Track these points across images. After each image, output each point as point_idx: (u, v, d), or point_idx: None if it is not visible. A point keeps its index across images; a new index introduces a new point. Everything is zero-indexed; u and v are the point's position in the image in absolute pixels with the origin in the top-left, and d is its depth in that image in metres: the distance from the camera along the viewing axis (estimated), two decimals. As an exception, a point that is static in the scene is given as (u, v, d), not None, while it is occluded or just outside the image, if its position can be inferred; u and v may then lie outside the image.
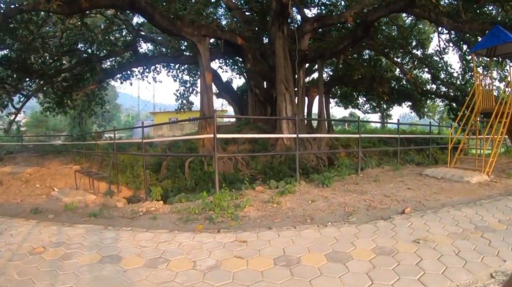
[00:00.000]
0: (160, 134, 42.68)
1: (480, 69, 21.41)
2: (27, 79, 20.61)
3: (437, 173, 10.03)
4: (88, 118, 36.39)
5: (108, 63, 24.77)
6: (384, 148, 19.01)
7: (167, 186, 15.59)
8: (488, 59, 14.95)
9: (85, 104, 24.95)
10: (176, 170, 16.84)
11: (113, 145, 15.57)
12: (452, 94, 23.69)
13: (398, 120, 15.13)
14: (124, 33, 22.52)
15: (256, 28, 22.81)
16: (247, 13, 24.55)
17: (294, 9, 22.06)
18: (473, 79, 23.15)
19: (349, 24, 21.81)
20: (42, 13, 16.76)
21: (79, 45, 21.69)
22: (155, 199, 9.23)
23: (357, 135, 12.54)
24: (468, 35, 19.34)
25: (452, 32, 22.56)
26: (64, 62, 22.82)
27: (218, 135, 8.67)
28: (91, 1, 13.91)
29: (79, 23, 19.33)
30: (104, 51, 21.73)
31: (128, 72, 24.46)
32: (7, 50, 19.36)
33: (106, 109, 31.22)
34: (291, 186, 8.54)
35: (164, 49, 24.73)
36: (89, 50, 21.92)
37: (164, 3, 16.14)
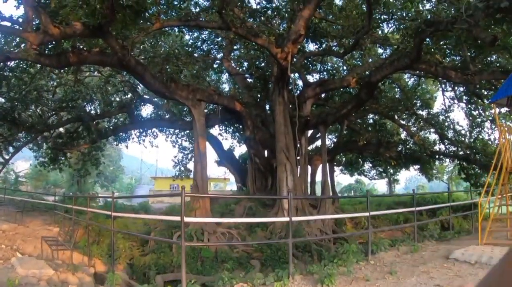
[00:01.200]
0: (159, 200, 41.19)
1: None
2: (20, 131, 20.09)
3: (469, 256, 7.98)
4: (83, 177, 35.28)
5: (106, 123, 24.02)
6: (399, 226, 17.52)
7: (151, 261, 13.92)
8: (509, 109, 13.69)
9: (79, 163, 24.86)
10: (163, 243, 15.17)
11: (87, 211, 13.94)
12: (461, 153, 22.54)
13: (414, 190, 13.44)
14: (120, 93, 21.67)
15: (259, 95, 22.07)
16: (249, 80, 23.95)
17: (295, 75, 21.39)
18: (482, 135, 22.47)
19: (351, 89, 21.06)
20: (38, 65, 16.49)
21: (75, 102, 20.75)
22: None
23: (366, 214, 10.33)
24: (478, 87, 18.24)
25: (457, 88, 22.08)
26: (56, 117, 22.04)
27: (194, 220, 7.14)
28: (79, 57, 13.28)
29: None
30: (98, 110, 20.82)
31: (123, 134, 23.41)
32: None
33: (101, 171, 30.16)
34: (281, 285, 6.78)
35: (161, 113, 23.90)
36: (86, 109, 21.13)
37: (156, 65, 15.26)
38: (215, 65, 23.59)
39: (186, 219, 6.37)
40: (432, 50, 16.06)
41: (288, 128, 17.75)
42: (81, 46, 13.87)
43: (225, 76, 27.05)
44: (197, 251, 13.93)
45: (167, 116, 23.63)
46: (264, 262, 13.84)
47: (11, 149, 22.97)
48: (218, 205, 18.99)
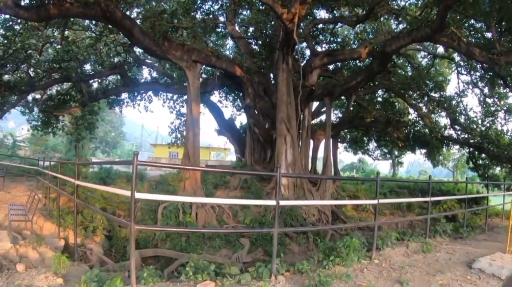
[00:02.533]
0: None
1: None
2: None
3: (498, 268, 6.15)
4: (78, 142, 34.12)
5: (97, 85, 22.77)
6: (411, 217, 16.52)
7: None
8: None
9: (73, 127, 24.27)
10: (149, 215, 14.00)
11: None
12: (473, 141, 21.22)
13: (430, 177, 11.98)
14: (112, 54, 20.14)
15: (263, 64, 20.49)
16: (254, 46, 22.44)
17: (303, 43, 19.77)
18: (495, 124, 21.29)
19: (362, 62, 19.54)
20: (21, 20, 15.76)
21: (67, 63, 19.42)
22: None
23: (374, 201, 8.15)
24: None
25: (473, 73, 20.86)
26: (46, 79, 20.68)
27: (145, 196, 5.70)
28: (60, 8, 11.98)
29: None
30: (88, 71, 19.41)
31: (115, 97, 22.21)
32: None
33: (94, 136, 28.95)
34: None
35: (156, 76, 22.47)
36: (77, 70, 19.73)
37: (149, 19, 13.73)
38: (218, 29, 21.92)
39: (137, 195, 4.91)
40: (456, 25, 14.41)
41: (290, 97, 16.34)
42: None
43: (230, 43, 25.43)
44: (182, 225, 12.73)
45: (162, 80, 22.23)
46: (255, 241, 12.63)
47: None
48: (213, 176, 17.87)
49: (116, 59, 20.55)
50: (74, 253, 9.59)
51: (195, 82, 14.74)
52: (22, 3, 12.76)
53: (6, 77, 18.44)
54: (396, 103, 24.44)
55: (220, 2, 20.26)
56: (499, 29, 13.78)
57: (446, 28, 12.94)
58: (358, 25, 20.16)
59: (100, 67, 19.94)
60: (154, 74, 23.44)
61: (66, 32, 18.18)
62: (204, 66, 17.67)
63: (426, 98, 22.67)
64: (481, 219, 15.52)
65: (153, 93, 23.09)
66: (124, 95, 23.63)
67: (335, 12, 18.99)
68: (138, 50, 20.37)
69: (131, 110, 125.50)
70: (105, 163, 32.18)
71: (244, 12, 22.36)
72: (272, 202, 8.35)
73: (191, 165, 14.21)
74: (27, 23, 16.32)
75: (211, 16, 18.70)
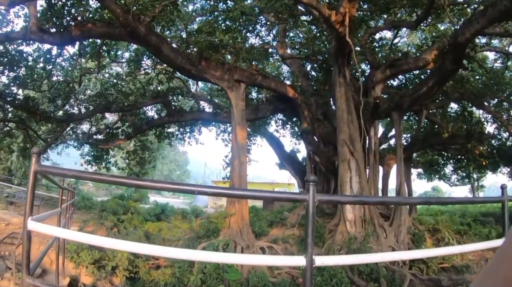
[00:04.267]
0: (220, 204, 39.41)
1: None
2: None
3: None
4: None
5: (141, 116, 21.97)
6: None
7: (161, 278, 10.98)
8: None
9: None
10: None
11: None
12: None
13: None
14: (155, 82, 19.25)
15: (321, 87, 18.93)
16: (310, 70, 21.06)
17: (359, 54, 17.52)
18: None
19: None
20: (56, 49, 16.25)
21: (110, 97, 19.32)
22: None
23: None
24: None
25: None
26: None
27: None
28: (82, 29, 11.68)
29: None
30: (128, 101, 18.49)
31: (161, 129, 21.16)
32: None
33: (145, 171, 28.20)
34: None
35: (202, 105, 21.18)
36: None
37: (183, 36, 12.29)
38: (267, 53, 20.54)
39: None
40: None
41: (352, 116, 13.97)
42: (84, 19, 12.57)
43: (285, 68, 23.73)
44: (221, 270, 10.56)
45: (208, 108, 21.04)
46: (317, 291, 10.15)
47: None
48: (271, 212, 15.81)
49: (159, 88, 19.52)
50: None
51: (239, 104, 12.88)
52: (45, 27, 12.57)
53: (42, 107, 18.24)
54: (473, 115, 21.15)
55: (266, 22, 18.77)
56: None
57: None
58: (419, 29, 18.09)
59: (141, 97, 18.83)
60: (204, 104, 22.15)
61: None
62: (250, 87, 16.15)
63: (506, 105, 19.62)
64: None
65: (203, 124, 21.83)
66: (173, 129, 22.91)
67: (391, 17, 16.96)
68: (182, 77, 19.22)
69: (194, 149, 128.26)
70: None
71: (291, 34, 21.05)
72: (299, 260, 4.03)
73: (238, 199, 12.12)
74: (62, 52, 16.80)
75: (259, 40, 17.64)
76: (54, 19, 12.62)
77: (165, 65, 16.79)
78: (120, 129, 21.18)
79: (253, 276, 10.45)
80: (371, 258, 5.45)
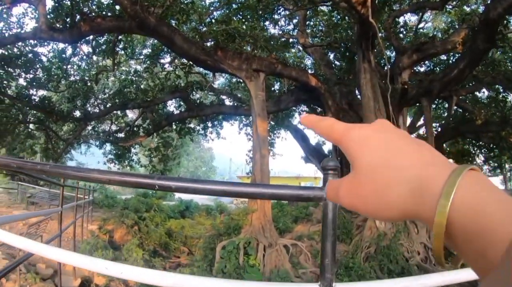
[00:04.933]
0: (242, 199, 39.49)
1: None
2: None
3: None
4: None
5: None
6: None
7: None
8: None
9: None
10: (207, 252, 11.62)
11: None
12: None
13: None
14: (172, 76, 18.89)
15: (345, 76, 18.46)
16: (333, 59, 20.55)
17: (383, 34, 16.73)
18: None
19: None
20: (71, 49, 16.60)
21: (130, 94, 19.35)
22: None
23: None
24: None
25: None
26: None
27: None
28: (91, 24, 11.43)
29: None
30: (146, 97, 18.20)
31: (181, 125, 20.80)
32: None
33: (168, 168, 28.07)
34: None
35: (225, 98, 20.70)
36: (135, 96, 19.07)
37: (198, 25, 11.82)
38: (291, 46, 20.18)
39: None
40: None
41: (379, 103, 13.18)
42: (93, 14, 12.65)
43: (309, 60, 23.00)
44: (242, 269, 10.02)
45: (229, 101, 20.62)
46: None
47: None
48: (295, 207, 15.23)
49: (176, 81, 19.19)
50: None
51: (259, 95, 12.27)
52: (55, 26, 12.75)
53: (61, 107, 18.36)
54: (508, 99, 19.99)
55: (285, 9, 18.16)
56: None
57: None
58: (444, 12, 17.13)
59: (159, 93, 18.47)
60: (225, 98, 21.70)
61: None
62: (271, 78, 15.55)
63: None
64: None
65: (224, 119, 21.37)
66: (194, 124, 22.69)
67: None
68: (201, 70, 18.81)
69: (219, 145, 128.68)
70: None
71: (312, 23, 20.30)
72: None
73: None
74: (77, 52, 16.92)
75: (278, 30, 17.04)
76: (63, 16, 12.62)
77: (183, 59, 16.39)
78: (141, 127, 20.90)
79: (275, 276, 9.88)
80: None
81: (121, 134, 21.33)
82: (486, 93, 20.67)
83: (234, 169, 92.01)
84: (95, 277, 9.31)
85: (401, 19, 18.00)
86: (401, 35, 18.31)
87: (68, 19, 12.47)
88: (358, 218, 13.01)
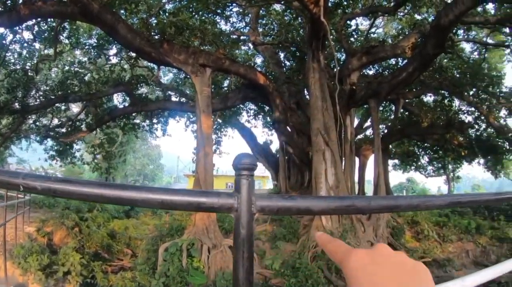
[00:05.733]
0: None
1: None
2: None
3: None
4: (103, 175, 32.15)
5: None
6: None
7: (120, 283, 9.92)
8: None
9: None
10: (150, 254, 11.10)
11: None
12: None
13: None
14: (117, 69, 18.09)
15: (295, 76, 18.43)
16: (284, 60, 20.53)
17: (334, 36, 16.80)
18: None
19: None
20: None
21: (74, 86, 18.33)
22: None
23: None
24: None
25: None
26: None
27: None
28: (31, 8, 10.57)
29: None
30: (89, 90, 17.35)
31: (126, 121, 20.07)
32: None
33: (110, 165, 26.89)
34: None
35: (171, 94, 20.07)
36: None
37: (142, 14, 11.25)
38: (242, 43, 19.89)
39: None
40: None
41: (327, 103, 13.10)
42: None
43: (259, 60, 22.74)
44: (185, 272, 9.59)
45: (175, 97, 19.96)
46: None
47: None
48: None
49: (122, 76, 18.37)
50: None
51: (204, 91, 11.81)
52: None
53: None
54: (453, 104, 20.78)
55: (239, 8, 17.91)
56: None
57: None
58: (396, 19, 17.57)
59: (103, 85, 17.64)
60: (171, 94, 21.03)
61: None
62: (220, 74, 15.24)
63: (483, 95, 19.33)
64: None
65: (170, 115, 20.75)
66: (139, 120, 21.89)
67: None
68: (148, 64, 18.13)
69: (167, 142, 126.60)
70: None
71: (264, 22, 20.10)
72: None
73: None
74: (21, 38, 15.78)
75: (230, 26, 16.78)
76: (1, -1, 11.63)
77: (130, 52, 15.70)
78: (83, 122, 19.89)
79: (220, 278, 9.51)
80: None
81: (63, 129, 20.18)
82: (432, 97, 21.44)
83: (182, 167, 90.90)
84: (29, 284, 8.65)
85: (353, 23, 18.24)
86: (352, 38, 18.51)
87: (7, 1, 11.57)
88: (305, 217, 12.89)
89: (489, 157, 21.86)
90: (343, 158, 14.35)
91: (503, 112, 19.50)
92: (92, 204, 17.22)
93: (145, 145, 57.45)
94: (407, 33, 17.34)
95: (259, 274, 10.41)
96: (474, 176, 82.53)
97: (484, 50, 19.42)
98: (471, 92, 19.10)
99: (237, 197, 1.18)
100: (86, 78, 18.61)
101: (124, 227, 14.97)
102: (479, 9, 14.76)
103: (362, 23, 21.16)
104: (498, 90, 19.17)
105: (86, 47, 18.58)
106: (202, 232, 10.64)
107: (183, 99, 19.35)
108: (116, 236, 14.22)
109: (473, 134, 20.57)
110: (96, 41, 17.54)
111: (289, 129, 17.06)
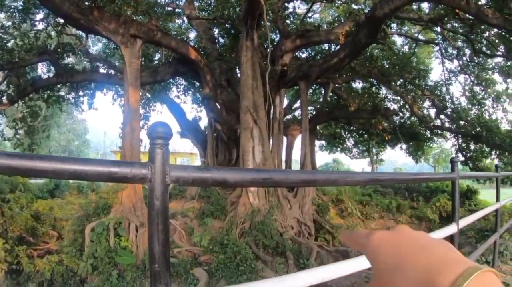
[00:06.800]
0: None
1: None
2: None
3: None
4: (30, 151, 30.16)
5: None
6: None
7: (47, 267, 9.47)
8: None
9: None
10: (76, 235, 10.68)
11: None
12: (464, 130, 18.96)
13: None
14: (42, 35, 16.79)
15: (228, 53, 18.01)
16: (219, 36, 20.22)
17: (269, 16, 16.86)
18: (483, 113, 19.34)
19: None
20: None
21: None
22: None
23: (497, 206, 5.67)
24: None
25: (464, 57, 18.90)
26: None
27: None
28: None
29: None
30: (11, 57, 15.95)
31: (50, 93, 18.78)
32: None
33: (33, 141, 25.20)
34: None
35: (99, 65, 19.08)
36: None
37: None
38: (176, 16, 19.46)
39: None
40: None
41: (257, 82, 13.21)
42: None
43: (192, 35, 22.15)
44: (114, 252, 9.37)
45: (104, 69, 18.95)
46: (215, 271, 9.33)
47: None
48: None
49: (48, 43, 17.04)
50: None
51: (133, 63, 11.39)
52: None
53: None
54: (380, 92, 21.90)
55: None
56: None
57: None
58: (333, 6, 17.94)
59: (27, 53, 16.33)
60: (100, 65, 19.92)
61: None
62: (150, 47, 14.72)
63: (410, 86, 20.38)
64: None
65: (97, 87, 19.71)
66: (64, 92, 20.50)
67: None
68: (78, 32, 17.13)
69: (94, 117, 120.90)
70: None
71: None
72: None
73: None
74: None
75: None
76: None
77: (58, 18, 14.64)
78: (5, 93, 17.81)
79: (148, 256, 9.40)
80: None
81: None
82: (361, 84, 22.33)
83: (109, 143, 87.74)
84: None
85: (290, 5, 18.39)
86: (288, 20, 18.60)
87: None
88: (232, 194, 13.04)
89: (411, 143, 23.04)
90: (271, 137, 14.55)
91: (426, 103, 20.70)
92: (15, 184, 16.19)
93: (70, 119, 54.19)
94: (342, 21, 17.82)
95: (188, 251, 10.43)
96: (396, 160, 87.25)
97: (414, 45, 20.44)
98: (398, 83, 20.03)
99: (150, 167, 1.18)
100: (9, 45, 17.01)
101: (49, 208, 14.30)
102: (414, 6, 15.38)
103: (299, 7, 21.40)
104: (423, 83, 20.32)
105: (11, 10, 17.07)
106: (129, 210, 10.38)
107: (111, 71, 18.30)
108: (40, 218, 13.52)
109: (397, 121, 21.61)
110: (22, 4, 16.06)
111: (218, 107, 16.80)
